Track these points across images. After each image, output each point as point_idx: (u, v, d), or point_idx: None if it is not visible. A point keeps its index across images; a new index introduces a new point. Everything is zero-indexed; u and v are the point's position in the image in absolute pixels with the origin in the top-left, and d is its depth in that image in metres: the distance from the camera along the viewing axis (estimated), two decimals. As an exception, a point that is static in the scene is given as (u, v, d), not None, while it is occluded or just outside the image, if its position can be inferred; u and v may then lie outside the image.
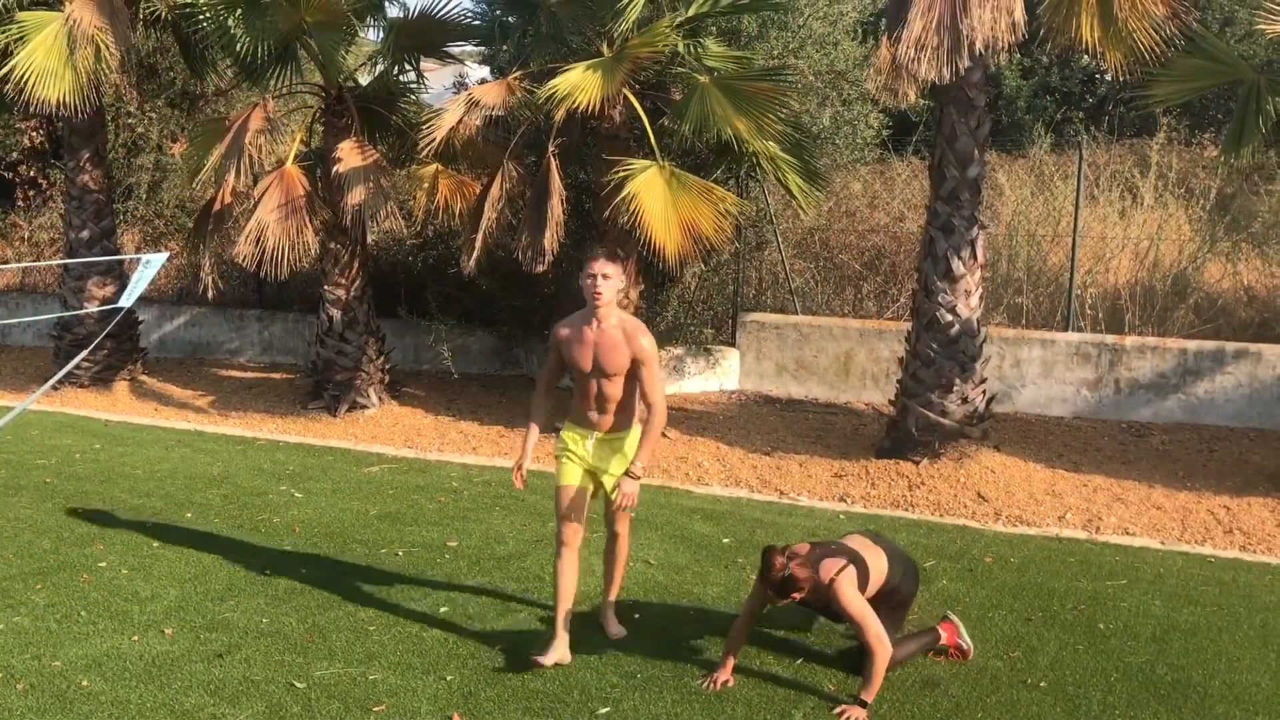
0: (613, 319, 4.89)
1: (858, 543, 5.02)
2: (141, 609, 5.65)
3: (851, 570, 4.78)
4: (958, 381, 8.57)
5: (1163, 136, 12.63)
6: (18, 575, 6.09)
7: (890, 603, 4.99)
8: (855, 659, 4.95)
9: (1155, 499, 8.02)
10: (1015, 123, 17.48)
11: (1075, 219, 10.64)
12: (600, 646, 5.24)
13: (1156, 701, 4.78)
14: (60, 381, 11.47)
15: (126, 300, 5.51)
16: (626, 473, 4.93)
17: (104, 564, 6.32)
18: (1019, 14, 7.63)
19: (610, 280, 4.83)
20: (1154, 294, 11.02)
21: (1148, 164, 12.30)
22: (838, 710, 4.63)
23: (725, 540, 7.04)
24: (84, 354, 6.85)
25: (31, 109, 10.56)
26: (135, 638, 5.28)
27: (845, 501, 8.15)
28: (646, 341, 4.87)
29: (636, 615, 5.69)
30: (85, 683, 4.77)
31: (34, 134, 15.99)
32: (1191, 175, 12.26)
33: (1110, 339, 10.34)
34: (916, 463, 8.58)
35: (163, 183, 15.58)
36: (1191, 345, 10.09)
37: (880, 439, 9.17)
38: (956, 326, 8.53)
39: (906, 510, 7.93)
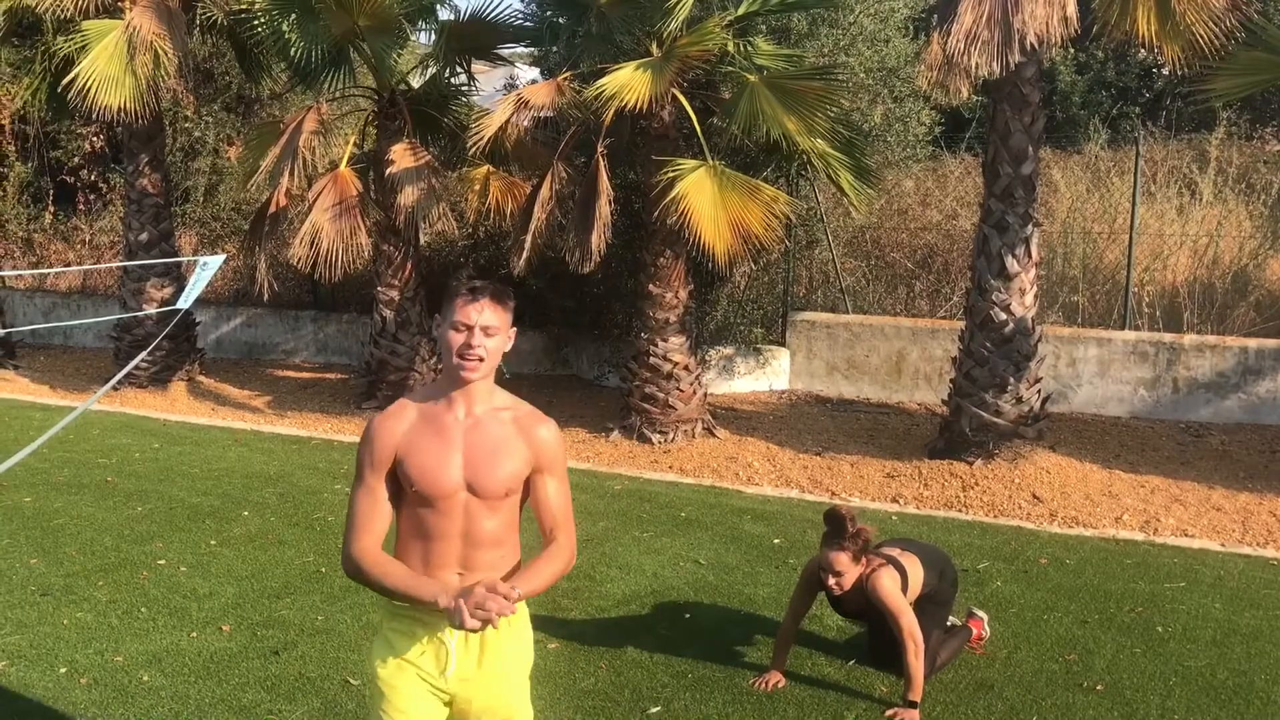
0: (494, 399, 2.90)
1: (894, 552, 5.00)
2: (200, 606, 5.75)
3: (892, 569, 4.78)
4: (1012, 381, 8.47)
5: (1222, 131, 12.39)
6: (80, 572, 6.22)
7: (928, 607, 4.97)
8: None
9: (1215, 500, 7.87)
10: (1070, 118, 17.22)
11: (1132, 216, 10.47)
12: (651, 646, 5.25)
13: (1217, 707, 4.70)
14: (120, 382, 11.69)
15: (184, 302, 5.60)
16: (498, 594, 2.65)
17: (163, 561, 6.44)
18: (1072, 8, 7.52)
19: (494, 336, 2.81)
20: (1213, 292, 10.82)
21: (1207, 159, 12.08)
22: (889, 713, 4.60)
23: (776, 541, 7.02)
24: (143, 354, 6.99)
25: (94, 115, 10.79)
26: (194, 634, 5.37)
27: (898, 502, 8.09)
28: (550, 433, 2.91)
29: (687, 615, 5.69)
30: (146, 677, 4.86)
31: (94, 139, 16.35)
32: (1252, 170, 12.02)
33: (1168, 338, 10.16)
34: (970, 463, 8.49)
35: (219, 185, 15.85)
36: (1252, 344, 9.89)
37: (933, 439, 9.09)
38: (1011, 325, 8.43)
39: (960, 511, 7.85)
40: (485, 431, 2.85)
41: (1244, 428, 9.69)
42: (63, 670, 4.92)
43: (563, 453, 2.96)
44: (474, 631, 2.64)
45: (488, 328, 2.79)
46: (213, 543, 6.81)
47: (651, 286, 9.52)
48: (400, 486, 2.85)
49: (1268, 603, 5.97)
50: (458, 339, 2.78)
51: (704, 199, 8.59)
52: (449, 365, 2.81)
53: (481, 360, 2.78)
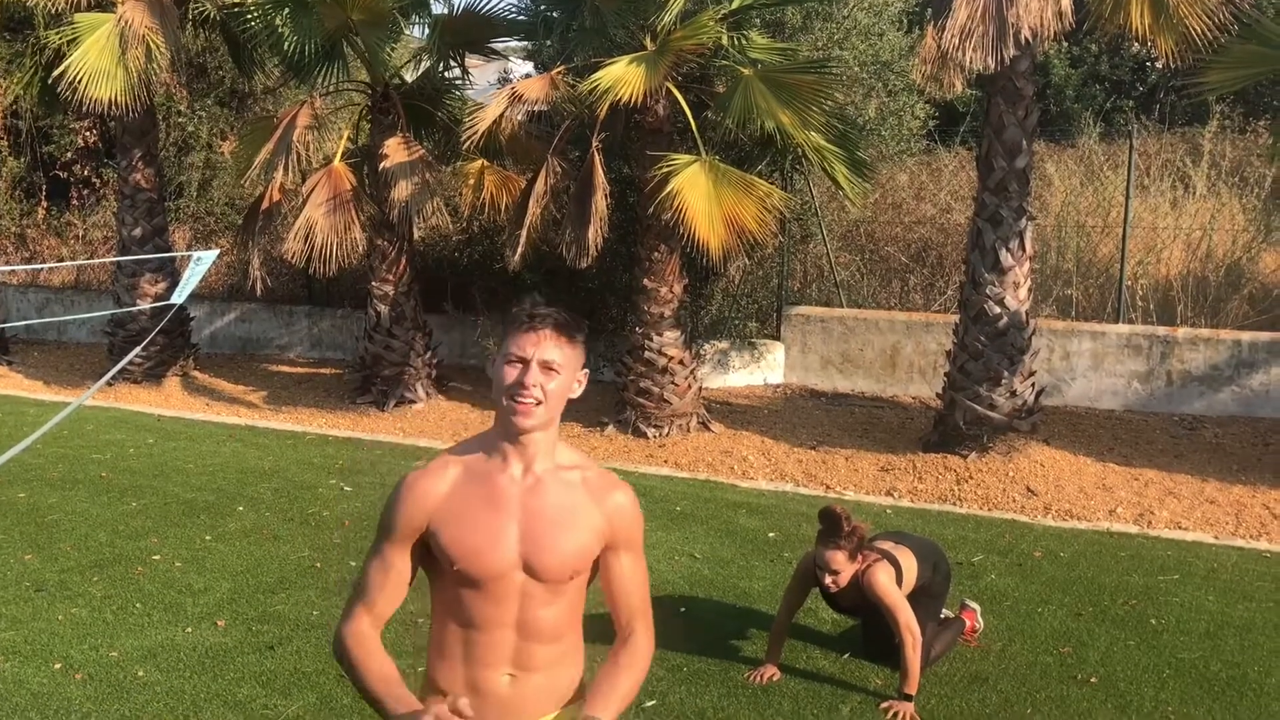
0: (558, 456, 2.36)
1: (887, 546, 5.02)
2: (195, 601, 5.75)
3: (887, 563, 4.79)
4: (1006, 374, 8.48)
5: (1216, 124, 12.41)
6: (75, 568, 6.22)
7: (922, 600, 4.98)
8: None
9: (1209, 493, 7.89)
10: (1064, 112, 17.24)
11: (1126, 209, 10.49)
12: (646, 640, 5.25)
13: (1210, 698, 4.71)
14: (114, 377, 11.67)
15: (178, 297, 5.58)
16: None
17: (158, 557, 6.43)
18: (1066, 1, 7.53)
19: (556, 375, 2.27)
20: (1207, 285, 10.84)
21: (1200, 152, 12.09)
22: (884, 706, 4.61)
23: (771, 534, 7.03)
24: (137, 350, 6.97)
25: (85, 109, 10.75)
26: (189, 629, 5.37)
27: (892, 495, 8.10)
28: (627, 500, 2.39)
29: (683, 609, 5.70)
30: (141, 673, 4.86)
31: (87, 134, 16.30)
32: (1246, 164, 12.04)
33: (1162, 331, 10.18)
34: (964, 456, 8.51)
35: (213, 180, 15.81)
36: (1245, 337, 9.91)
37: (927, 433, 9.10)
38: (1005, 319, 8.44)
39: (955, 504, 7.87)
40: (547, 496, 2.28)
41: (1237, 420, 9.72)
42: (57, 666, 4.92)
43: (641, 524, 2.40)
44: None
45: (548, 363, 2.24)
46: (207, 538, 6.81)
47: (646, 281, 9.52)
48: (435, 561, 2.30)
49: (1261, 595, 6.00)
50: (510, 374, 2.24)
51: (698, 194, 8.59)
52: (501, 410, 2.27)
53: (538, 404, 2.23)
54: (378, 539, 2.33)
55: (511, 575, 2.26)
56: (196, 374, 12.61)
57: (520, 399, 2.22)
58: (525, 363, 2.23)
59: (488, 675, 2.29)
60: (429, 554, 2.30)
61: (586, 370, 2.37)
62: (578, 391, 2.34)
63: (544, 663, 2.33)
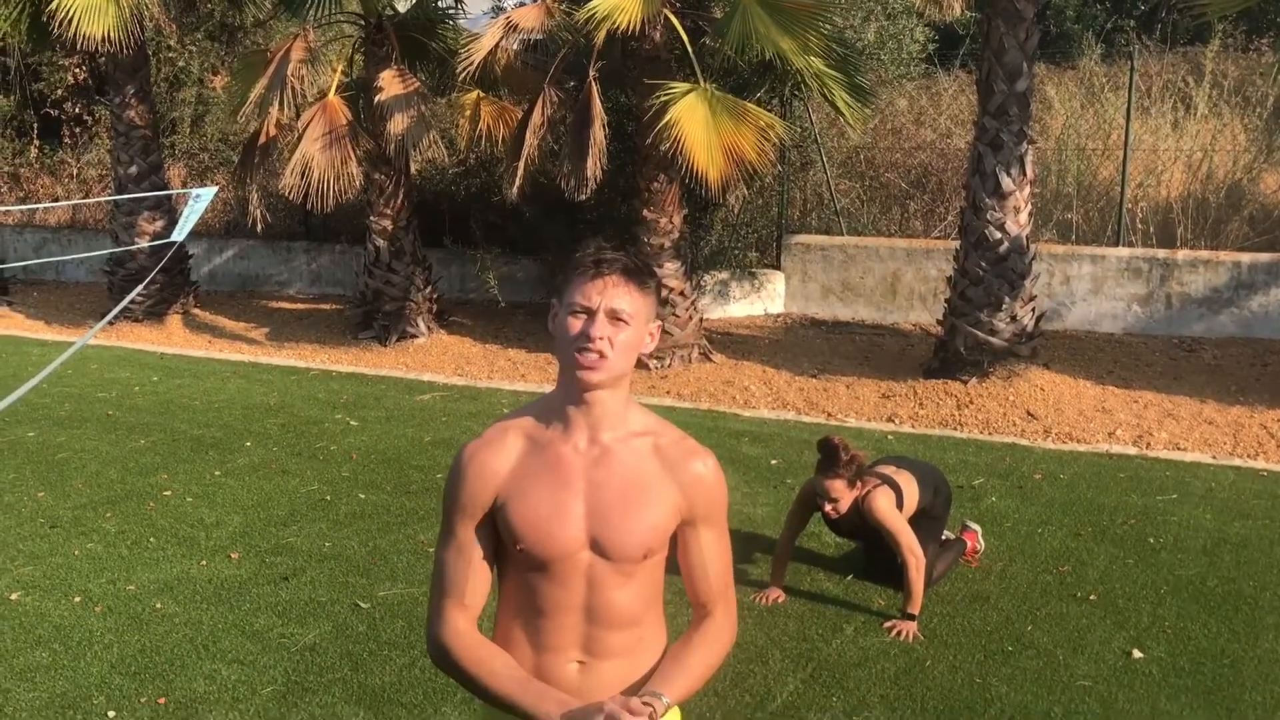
0: (629, 421, 2.12)
1: (888, 470, 5.08)
2: (208, 535, 5.83)
3: (887, 488, 4.86)
4: (1007, 300, 8.51)
5: (1218, 43, 12.28)
6: (88, 504, 6.30)
7: (924, 522, 5.06)
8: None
9: (1207, 414, 7.96)
10: (1064, 33, 17.06)
11: (1126, 131, 10.43)
12: (653, 566, 5.35)
13: (1206, 614, 4.82)
14: (115, 316, 11.69)
15: (179, 234, 5.60)
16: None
17: (169, 492, 6.52)
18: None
19: (625, 326, 2.02)
20: (1207, 207, 10.82)
21: (1202, 72, 11.99)
22: (888, 625, 4.71)
23: (774, 462, 7.11)
24: (140, 288, 7.00)
25: (76, 45, 10.63)
26: (203, 562, 5.46)
27: (893, 422, 8.17)
28: (709, 470, 2.16)
29: (688, 535, 5.78)
30: (159, 605, 4.96)
31: (77, 71, 16.12)
32: (1248, 83, 11.94)
33: (1162, 253, 10.19)
34: (965, 382, 8.56)
35: (205, 116, 15.69)
36: (1245, 258, 9.92)
37: (928, 359, 9.15)
38: (1005, 244, 8.44)
39: (955, 429, 7.94)
40: (617, 467, 2.06)
41: (1236, 342, 9.77)
42: (77, 599, 5.01)
43: (724, 496, 2.19)
44: None
45: (616, 313, 1.99)
46: (217, 473, 6.89)
47: (646, 212, 9.50)
48: (499, 539, 2.10)
49: (1257, 513, 6.09)
50: (574, 326, 1.99)
51: (697, 124, 8.53)
52: (565, 366, 2.03)
53: (603, 357, 1.98)
54: (446, 524, 2.10)
55: (578, 555, 2.05)
56: (197, 312, 12.63)
57: (585, 352, 1.98)
58: (590, 312, 1.99)
59: (555, 661, 2.09)
60: (494, 534, 2.09)
61: (659, 322, 2.12)
62: (650, 346, 2.09)
63: (617, 649, 2.11)
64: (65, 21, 10.22)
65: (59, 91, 16.27)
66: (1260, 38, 13.47)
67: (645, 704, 1.92)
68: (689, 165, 8.48)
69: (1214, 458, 7.23)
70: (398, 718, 3.99)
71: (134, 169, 12.06)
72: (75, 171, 16.38)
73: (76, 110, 16.33)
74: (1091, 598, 4.98)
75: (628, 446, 2.07)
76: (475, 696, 2.04)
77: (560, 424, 2.07)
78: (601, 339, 1.97)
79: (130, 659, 4.43)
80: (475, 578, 2.08)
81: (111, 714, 4.02)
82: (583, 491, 2.04)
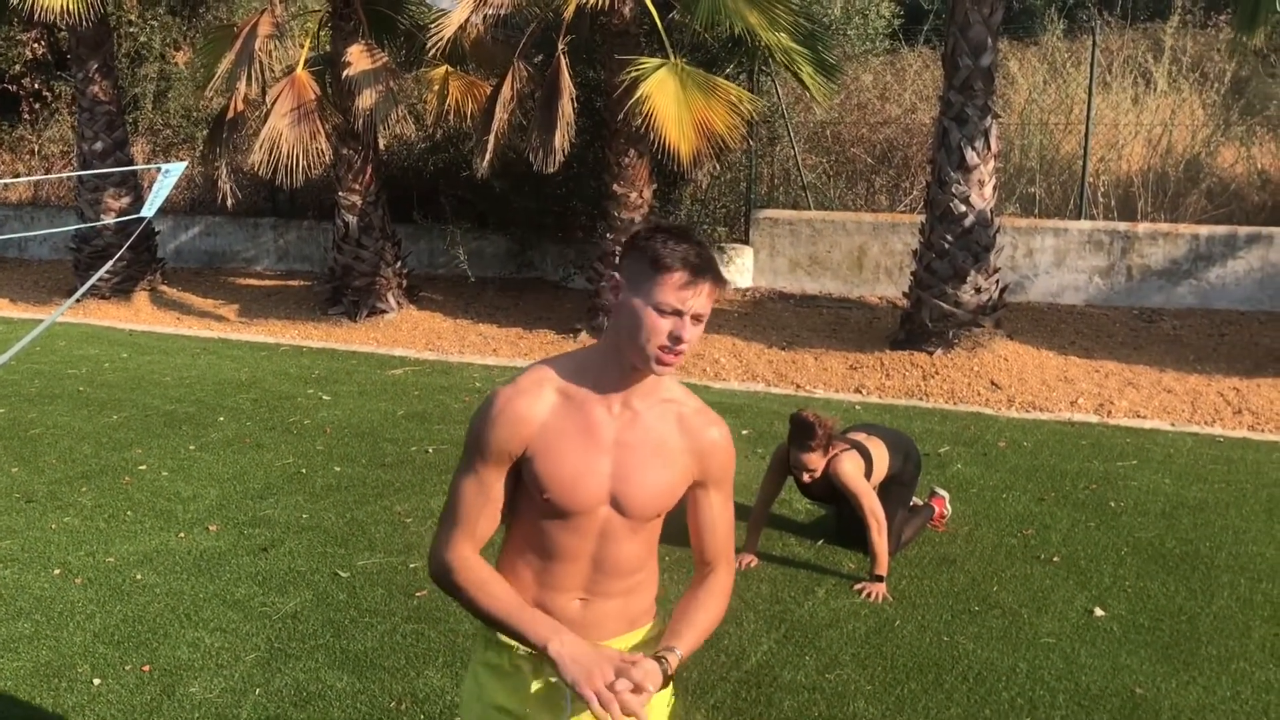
0: (661, 389, 2.23)
1: (860, 437, 5.21)
2: (185, 508, 5.86)
3: (855, 453, 4.99)
4: (971, 272, 8.65)
5: (1177, 19, 12.46)
6: (63, 479, 6.31)
7: (894, 488, 5.19)
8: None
9: (1166, 383, 8.15)
10: (1027, 9, 17.19)
11: (1088, 106, 10.59)
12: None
13: (1165, 573, 4.98)
14: (85, 293, 11.60)
15: (148, 211, 5.58)
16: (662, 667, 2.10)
17: (144, 467, 6.53)
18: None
19: (702, 324, 2.13)
20: (1166, 180, 11.01)
21: (1162, 48, 12.17)
22: (858, 587, 4.83)
23: (745, 432, 7.22)
24: (109, 264, 6.96)
25: (35, 18, 10.51)
26: (182, 534, 5.49)
27: (861, 393, 8.30)
28: (722, 437, 2.27)
29: (662, 503, 5.88)
30: (139, 576, 5.00)
31: (35, 45, 15.89)
32: (1206, 59, 12.14)
33: (1123, 226, 10.37)
34: (930, 353, 8.71)
35: (168, 92, 15.51)
36: (1204, 230, 10.12)
37: (895, 331, 9.29)
38: (970, 217, 8.57)
39: (921, 399, 8.09)
40: (643, 431, 2.17)
41: (1194, 312, 9.98)
42: (56, 572, 5.04)
43: (733, 461, 2.29)
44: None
45: (700, 316, 2.08)
46: (191, 448, 6.91)
47: (616, 186, 9.56)
48: (520, 485, 2.18)
49: (1213, 477, 6.27)
50: (662, 326, 2.05)
51: (668, 100, 8.59)
52: (633, 350, 2.08)
53: (680, 349, 2.07)
54: (469, 458, 2.16)
55: (598, 510, 2.15)
56: (165, 288, 12.55)
57: (670, 354, 2.07)
58: (682, 316, 2.05)
59: (558, 598, 2.20)
60: (516, 478, 2.17)
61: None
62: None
63: (617, 591, 2.23)
64: (25, -6, 10.11)
65: (17, 67, 16.03)
66: (1219, 14, 13.66)
67: (660, 657, 2.09)
68: (661, 140, 8.54)
69: (1172, 425, 7.41)
70: (380, 681, 4.07)
71: (99, 145, 11.96)
72: (36, 148, 16.17)
73: (36, 86, 16.10)
74: (1055, 559, 5.13)
75: (654, 412, 2.18)
76: (472, 615, 2.15)
77: (598, 386, 2.15)
78: (689, 342, 2.07)
79: (113, 628, 4.48)
80: (489, 513, 2.17)
81: (96, 682, 4.06)
82: (611, 452, 2.14)
